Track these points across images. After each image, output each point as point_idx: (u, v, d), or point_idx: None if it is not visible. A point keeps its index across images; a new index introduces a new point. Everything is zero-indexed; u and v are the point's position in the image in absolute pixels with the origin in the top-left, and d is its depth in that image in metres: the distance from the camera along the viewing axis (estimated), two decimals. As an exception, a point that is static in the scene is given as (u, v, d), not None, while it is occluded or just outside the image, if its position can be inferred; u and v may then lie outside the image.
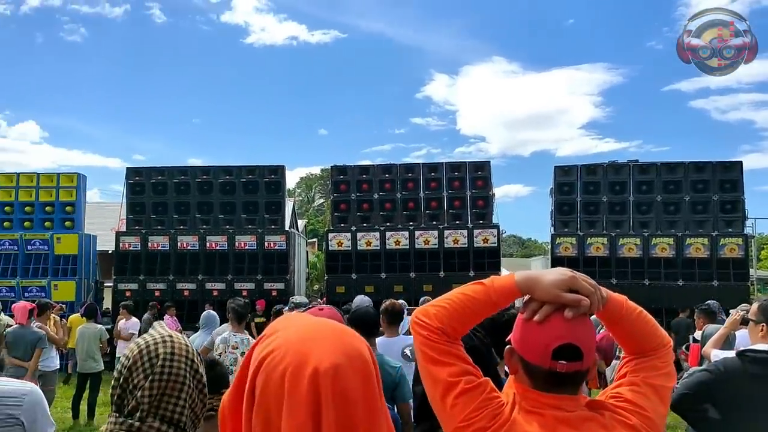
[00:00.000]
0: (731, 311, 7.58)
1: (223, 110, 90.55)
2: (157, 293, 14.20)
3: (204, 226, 14.87)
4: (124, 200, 15.17)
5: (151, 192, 15.06)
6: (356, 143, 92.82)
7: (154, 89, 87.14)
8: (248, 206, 14.96)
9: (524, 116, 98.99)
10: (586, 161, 14.81)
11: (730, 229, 13.44)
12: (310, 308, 2.71)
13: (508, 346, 1.48)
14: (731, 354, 3.51)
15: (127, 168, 15.48)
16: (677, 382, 4.28)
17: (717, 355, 4.11)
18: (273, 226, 14.88)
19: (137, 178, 15.20)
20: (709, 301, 8.23)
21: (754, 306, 3.26)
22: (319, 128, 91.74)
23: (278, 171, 15.11)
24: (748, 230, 14.54)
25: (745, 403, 2.92)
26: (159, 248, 14.66)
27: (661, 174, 13.98)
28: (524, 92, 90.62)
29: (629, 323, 1.51)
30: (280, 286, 14.37)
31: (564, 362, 1.37)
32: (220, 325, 6.97)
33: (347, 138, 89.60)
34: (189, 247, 14.62)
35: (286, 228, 15.43)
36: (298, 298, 7.34)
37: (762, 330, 3.10)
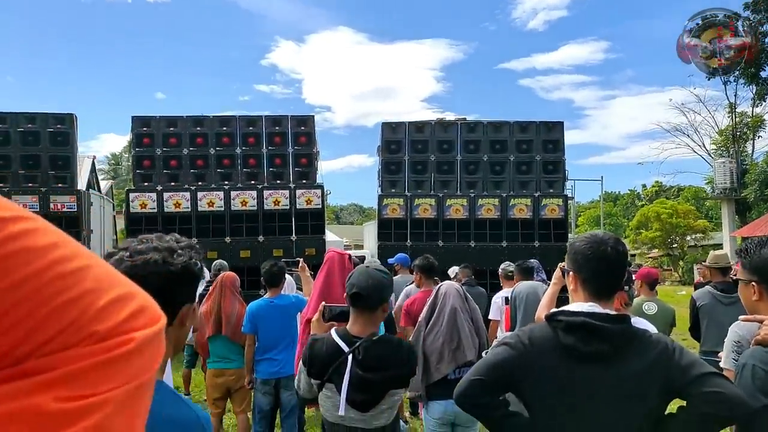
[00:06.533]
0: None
1: (42, 69, 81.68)
2: None
3: (-31, 185, 12.30)
4: None
5: None
6: (197, 109, 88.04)
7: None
8: (27, 160, 12.56)
9: (369, 87, 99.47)
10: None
11: (551, 190, 13.43)
12: None
13: None
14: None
15: None
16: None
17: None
18: (60, 185, 12.64)
19: None
20: (530, 260, 7.74)
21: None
22: (156, 92, 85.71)
23: (66, 120, 12.79)
24: (568, 192, 14.71)
25: (557, 389, 2.00)
26: None
27: (488, 133, 13.64)
28: (369, 63, 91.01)
29: None
30: (70, 254, 12.27)
31: None
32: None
33: (187, 104, 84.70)
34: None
35: (79, 187, 13.22)
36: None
37: (573, 283, 2.19)
